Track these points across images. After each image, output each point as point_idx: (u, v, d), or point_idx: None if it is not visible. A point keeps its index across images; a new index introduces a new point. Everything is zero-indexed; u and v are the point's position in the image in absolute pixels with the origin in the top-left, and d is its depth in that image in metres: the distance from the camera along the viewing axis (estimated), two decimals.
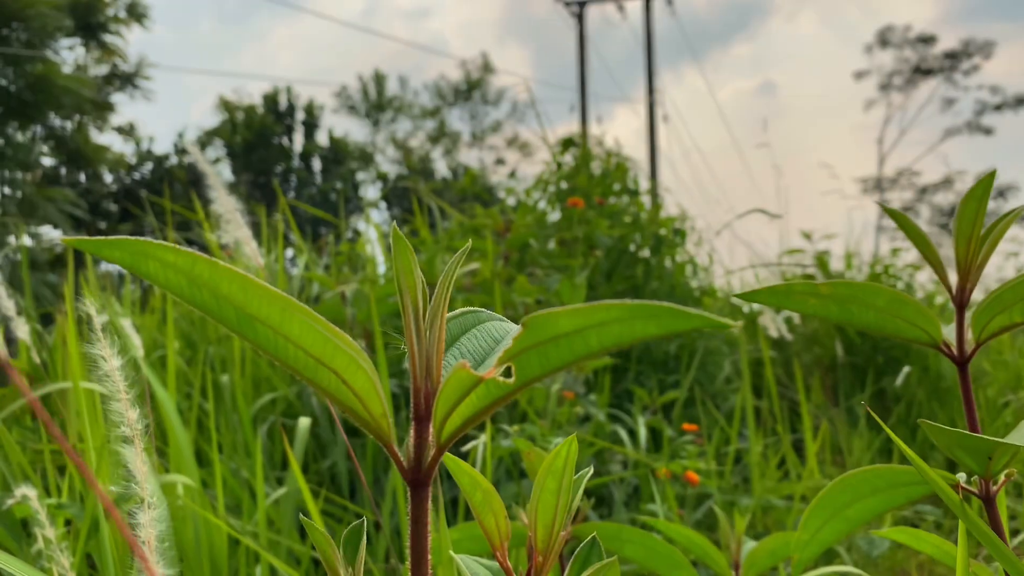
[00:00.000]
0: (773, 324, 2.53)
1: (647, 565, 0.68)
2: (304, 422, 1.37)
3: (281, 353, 0.28)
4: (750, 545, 0.81)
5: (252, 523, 1.17)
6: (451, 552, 0.44)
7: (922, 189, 23.66)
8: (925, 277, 4.81)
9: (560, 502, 0.40)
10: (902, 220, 0.60)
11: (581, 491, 0.42)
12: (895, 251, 3.52)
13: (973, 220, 0.57)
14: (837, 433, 2.30)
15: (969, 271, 0.57)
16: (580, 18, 16.20)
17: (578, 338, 0.26)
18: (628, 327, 0.26)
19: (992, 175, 0.58)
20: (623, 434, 1.90)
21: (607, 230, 2.55)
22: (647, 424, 1.94)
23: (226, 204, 0.94)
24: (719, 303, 3.28)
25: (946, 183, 23.51)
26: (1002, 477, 0.50)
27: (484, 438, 1.24)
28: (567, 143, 3.14)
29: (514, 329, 0.37)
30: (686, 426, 1.72)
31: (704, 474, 1.56)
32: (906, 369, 1.90)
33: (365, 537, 0.38)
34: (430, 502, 0.32)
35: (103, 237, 0.27)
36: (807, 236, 3.52)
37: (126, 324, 1.33)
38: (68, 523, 1.09)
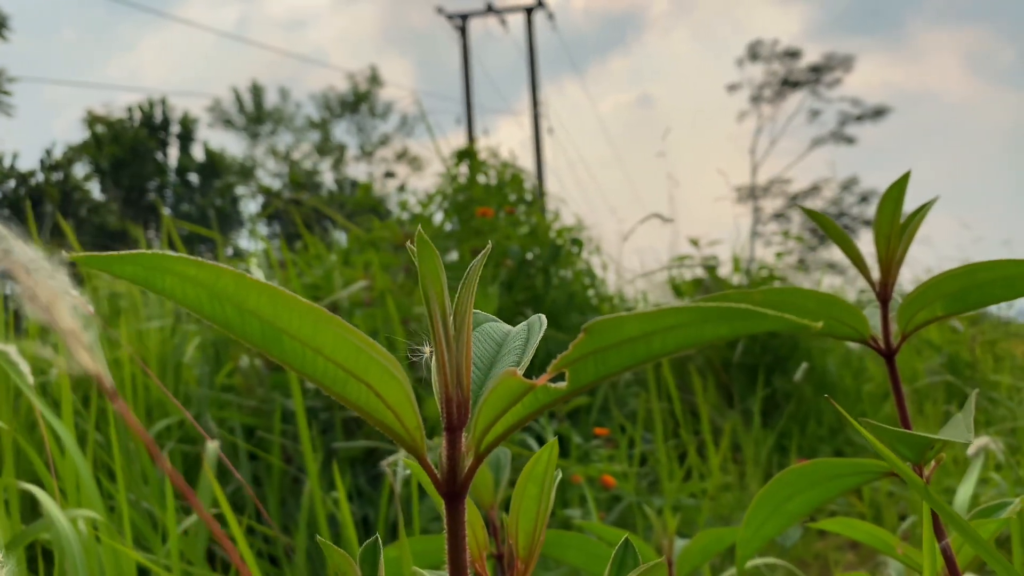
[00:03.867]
0: None
1: (590, 568, 0.69)
2: (212, 446, 1.31)
3: (309, 367, 0.27)
4: (681, 543, 0.82)
5: (164, 554, 1.12)
6: (414, 567, 0.43)
7: (793, 196, 24.90)
8: (803, 277, 5.05)
9: (541, 507, 0.39)
10: (825, 222, 0.62)
11: (553, 496, 0.42)
12: (780, 255, 3.69)
13: (891, 219, 0.61)
14: (736, 431, 2.38)
15: (890, 266, 0.60)
16: (463, 31, 16.28)
17: (642, 343, 0.26)
18: (698, 331, 0.25)
19: (906, 176, 0.61)
20: (532, 442, 1.91)
21: (518, 239, 2.58)
22: (555, 431, 1.96)
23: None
24: (616, 311, 3.35)
25: (814, 190, 24.83)
26: (933, 463, 0.53)
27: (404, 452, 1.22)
28: (462, 155, 3.14)
29: (512, 330, 0.36)
30: (597, 430, 1.74)
31: (618, 477, 1.58)
32: (804, 365, 1.99)
33: (382, 552, 0.37)
34: (466, 513, 0.31)
35: (114, 252, 0.25)
36: (694, 243, 3.65)
37: (11, 351, 1.24)
38: None
